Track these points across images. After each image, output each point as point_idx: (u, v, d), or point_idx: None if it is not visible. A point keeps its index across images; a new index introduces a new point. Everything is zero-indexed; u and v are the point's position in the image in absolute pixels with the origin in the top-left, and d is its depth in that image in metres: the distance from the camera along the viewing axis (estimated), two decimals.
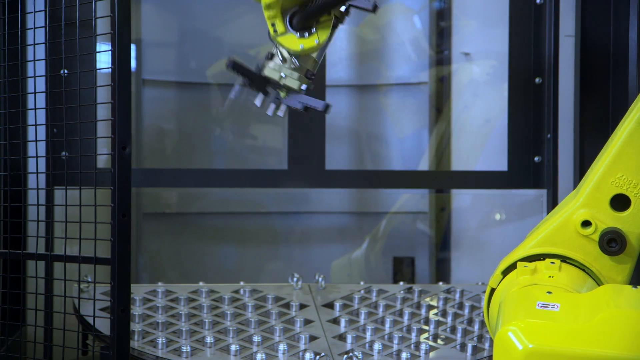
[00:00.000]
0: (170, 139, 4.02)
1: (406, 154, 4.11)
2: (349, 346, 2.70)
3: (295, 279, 3.02)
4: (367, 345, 2.71)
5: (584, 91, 3.22)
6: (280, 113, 2.52)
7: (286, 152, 3.32)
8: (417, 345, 2.71)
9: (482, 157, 3.75)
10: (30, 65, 2.54)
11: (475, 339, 2.75)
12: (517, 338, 1.76)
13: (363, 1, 2.47)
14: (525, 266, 2.04)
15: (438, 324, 2.83)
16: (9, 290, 2.59)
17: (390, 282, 3.97)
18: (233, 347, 2.60)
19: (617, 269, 2.05)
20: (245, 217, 4.08)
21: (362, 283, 3.07)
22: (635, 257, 2.06)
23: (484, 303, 2.15)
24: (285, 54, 2.41)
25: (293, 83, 2.46)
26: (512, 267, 2.09)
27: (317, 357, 2.58)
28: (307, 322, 2.81)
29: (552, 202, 3.25)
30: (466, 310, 2.91)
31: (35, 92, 2.47)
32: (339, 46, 4.01)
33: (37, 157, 2.49)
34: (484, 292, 2.97)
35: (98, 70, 2.48)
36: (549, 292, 1.91)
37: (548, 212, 3.27)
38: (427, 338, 2.76)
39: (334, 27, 2.42)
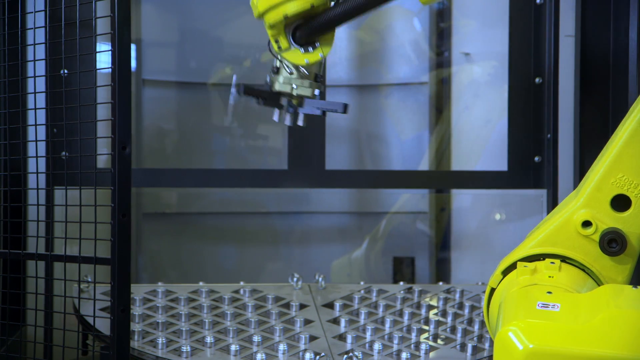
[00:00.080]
0: (170, 139, 4.02)
1: (406, 154, 4.11)
2: (349, 346, 2.70)
3: (295, 279, 3.02)
4: (367, 345, 2.71)
5: (584, 91, 3.22)
6: (300, 122, 2.56)
7: (286, 152, 3.32)
8: (417, 345, 2.71)
9: (482, 158, 3.75)
10: (30, 65, 2.54)
11: (475, 339, 2.75)
12: (517, 338, 1.76)
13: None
14: (525, 266, 2.04)
15: (438, 324, 2.83)
16: (9, 290, 2.59)
17: (390, 282, 3.97)
18: (233, 347, 2.60)
19: (618, 270, 2.05)
20: (245, 217, 4.08)
21: (362, 283, 3.07)
22: (636, 258, 2.06)
23: (483, 303, 2.15)
24: (292, 65, 2.42)
25: (306, 91, 2.49)
26: (512, 267, 2.09)
27: (317, 357, 2.58)
28: (307, 322, 2.81)
29: (552, 202, 3.25)
30: (466, 310, 2.91)
31: (35, 92, 2.47)
32: (339, 46, 4.01)
33: (37, 157, 2.49)
34: (484, 292, 2.97)
35: (98, 70, 2.47)
36: (549, 292, 1.91)
37: (548, 212, 3.27)
38: (427, 338, 2.76)
39: None
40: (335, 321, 2.84)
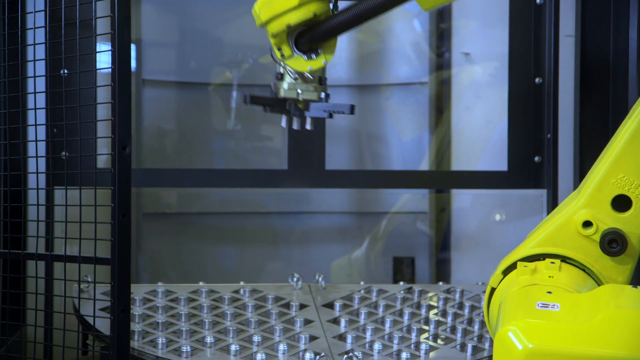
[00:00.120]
0: (170, 139, 4.02)
1: (406, 154, 4.11)
2: (349, 346, 2.70)
3: (295, 279, 3.02)
4: (367, 345, 2.71)
5: (584, 91, 3.22)
6: (308, 126, 2.57)
7: (286, 152, 3.32)
8: (417, 345, 2.71)
9: (482, 158, 3.75)
10: (30, 65, 2.54)
11: (475, 339, 2.75)
12: (517, 338, 1.76)
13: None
14: (525, 266, 2.04)
15: (438, 324, 2.83)
16: (9, 290, 2.59)
17: (391, 282, 3.97)
18: (233, 347, 2.60)
19: (618, 270, 2.05)
20: (245, 217, 4.08)
21: (362, 283, 3.07)
22: (636, 258, 2.06)
23: (484, 303, 2.15)
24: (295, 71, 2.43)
25: (312, 95, 2.49)
26: (513, 266, 2.09)
27: (317, 357, 2.58)
28: (307, 322, 2.81)
29: (552, 202, 3.25)
30: (466, 310, 2.91)
31: (35, 92, 2.47)
32: (340, 47, 3.98)
33: (37, 157, 2.49)
34: (484, 292, 2.97)
35: (98, 70, 2.48)
36: (549, 292, 1.91)
37: (548, 212, 3.27)
38: (427, 338, 2.76)
39: None
40: (335, 321, 2.84)
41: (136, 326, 2.69)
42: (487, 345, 2.71)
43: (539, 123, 3.32)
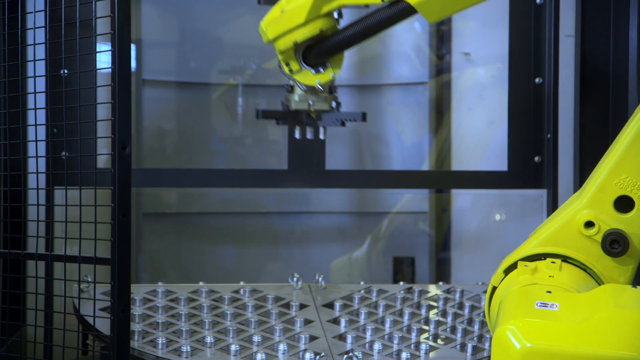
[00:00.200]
0: (170, 139, 4.02)
1: (406, 154, 4.11)
2: (349, 346, 2.70)
3: (295, 279, 3.02)
4: (367, 345, 2.71)
5: (584, 91, 3.22)
6: (322, 136, 2.60)
7: (286, 152, 3.32)
8: (417, 345, 2.71)
9: (483, 159, 3.75)
10: (30, 65, 2.54)
11: (475, 339, 2.75)
12: (515, 337, 1.76)
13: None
14: (525, 265, 2.04)
15: (438, 324, 2.83)
16: (9, 290, 2.59)
17: (391, 282, 3.96)
18: (233, 347, 2.60)
19: (620, 270, 2.05)
20: (245, 217, 4.08)
21: (362, 283, 3.07)
22: (638, 259, 2.06)
23: (485, 301, 2.15)
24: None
25: (323, 106, 2.53)
26: (514, 266, 2.09)
27: (317, 357, 2.58)
28: (307, 322, 2.81)
29: (552, 202, 3.25)
30: (466, 310, 2.91)
31: (35, 92, 2.47)
32: None
33: (37, 157, 2.49)
34: (484, 292, 2.98)
35: (98, 70, 2.48)
36: (549, 292, 1.91)
37: (548, 212, 3.27)
38: (427, 338, 2.76)
39: None
40: (335, 321, 2.84)
41: (136, 326, 2.69)
42: (487, 345, 2.71)
43: (539, 123, 3.32)
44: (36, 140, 2.47)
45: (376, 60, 4.06)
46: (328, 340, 2.72)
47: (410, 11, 2.23)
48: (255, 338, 2.68)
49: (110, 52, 2.27)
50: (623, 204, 2.04)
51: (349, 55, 4.03)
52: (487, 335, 2.77)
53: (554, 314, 1.81)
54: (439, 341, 2.76)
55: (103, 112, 2.39)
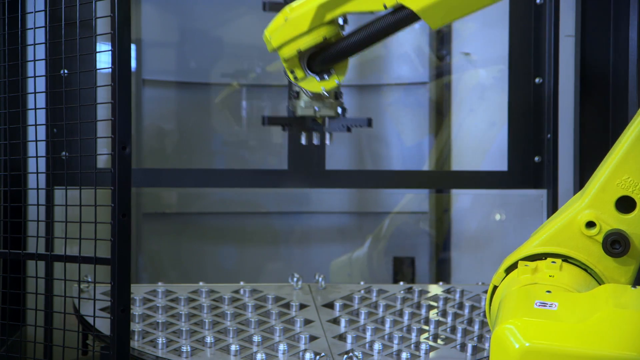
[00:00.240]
0: (170, 139, 4.02)
1: (406, 154, 4.11)
2: (349, 346, 2.70)
3: (295, 279, 3.02)
4: (367, 345, 2.71)
5: (584, 91, 3.22)
6: (328, 141, 2.62)
7: (286, 152, 3.32)
8: (417, 345, 2.71)
9: (483, 160, 3.75)
10: (30, 65, 2.54)
11: (475, 339, 2.75)
12: (513, 336, 1.76)
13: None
14: (526, 265, 2.04)
15: (438, 324, 2.83)
16: (9, 290, 2.59)
17: (391, 282, 3.96)
18: (233, 347, 2.60)
19: (621, 271, 2.05)
20: (245, 217, 4.08)
21: (362, 283, 3.07)
22: (639, 259, 2.06)
23: (485, 301, 2.15)
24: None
25: (329, 112, 2.56)
26: (515, 265, 2.09)
27: (317, 357, 2.58)
28: (307, 322, 2.81)
29: (552, 202, 3.25)
30: (466, 310, 2.91)
31: (35, 92, 2.47)
32: None
33: (37, 157, 2.49)
34: (484, 292, 2.98)
35: (98, 70, 2.48)
36: (548, 292, 1.91)
37: (548, 212, 3.27)
38: (427, 338, 2.76)
39: None
40: (335, 321, 2.84)
41: (136, 326, 2.69)
42: (487, 345, 2.71)
43: (539, 123, 3.31)
44: (36, 140, 2.47)
45: (376, 61, 4.06)
46: (328, 340, 2.72)
47: (413, 18, 2.25)
48: (255, 338, 2.68)
49: (110, 52, 2.27)
50: (624, 204, 2.04)
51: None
52: (487, 335, 2.77)
53: (553, 313, 1.81)
54: (439, 341, 2.76)
55: (103, 112, 2.39)
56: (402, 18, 2.26)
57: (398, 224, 4.10)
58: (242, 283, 3.00)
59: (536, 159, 3.32)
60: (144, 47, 3.92)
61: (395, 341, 2.71)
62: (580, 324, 1.77)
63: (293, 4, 2.33)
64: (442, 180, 3.72)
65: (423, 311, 2.91)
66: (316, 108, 2.56)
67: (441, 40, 3.97)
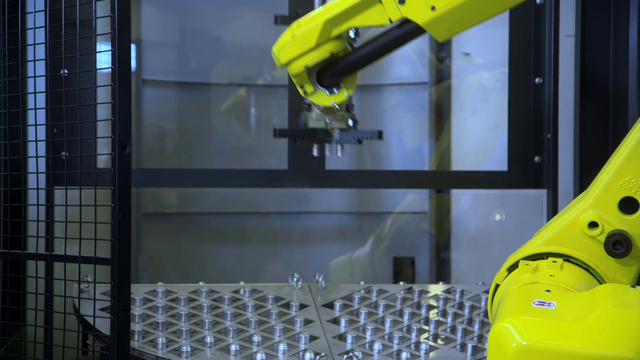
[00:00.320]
0: (170, 139, 4.02)
1: (406, 154, 4.11)
2: (349, 346, 2.70)
3: (295, 279, 3.02)
4: (367, 345, 2.71)
5: (584, 91, 3.22)
6: (339, 153, 2.64)
7: (286, 152, 3.32)
8: (417, 345, 2.71)
9: (483, 161, 3.75)
10: (30, 65, 2.54)
11: (475, 339, 2.75)
12: (510, 334, 1.76)
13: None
14: (527, 264, 2.04)
15: (438, 324, 2.83)
16: (9, 290, 2.59)
17: (391, 282, 3.96)
18: (233, 347, 2.60)
19: (623, 271, 2.05)
20: (245, 217, 4.08)
21: (362, 283, 3.07)
22: None
23: (487, 300, 2.15)
24: None
25: (340, 124, 2.58)
26: (517, 264, 2.10)
27: (317, 357, 2.58)
28: (307, 322, 2.81)
29: (552, 202, 3.25)
30: (466, 310, 2.91)
31: (35, 92, 2.47)
32: None
33: (37, 157, 2.49)
34: (484, 292, 2.98)
35: (98, 70, 2.48)
36: (548, 291, 1.91)
37: (548, 212, 3.28)
38: (427, 338, 2.76)
39: None
40: (335, 321, 2.84)
41: (136, 326, 2.69)
42: (487, 345, 2.71)
43: (539, 123, 3.32)
44: (36, 140, 2.47)
45: (377, 64, 4.06)
46: (328, 340, 2.72)
47: (419, 31, 2.27)
48: (255, 338, 2.68)
49: (110, 52, 2.27)
50: (627, 205, 2.04)
51: None
52: (487, 335, 2.77)
53: (551, 312, 1.81)
54: (439, 341, 2.76)
55: (103, 112, 2.39)
56: (407, 32, 2.29)
57: (398, 224, 4.11)
58: (242, 283, 3.00)
59: (536, 159, 3.32)
60: (144, 47, 3.93)
61: (395, 341, 2.71)
62: (577, 323, 1.77)
63: (300, 20, 2.36)
64: (442, 180, 3.72)
65: (423, 311, 2.91)
66: (327, 120, 2.59)
67: (441, 44, 3.97)
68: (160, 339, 2.61)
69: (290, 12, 3.19)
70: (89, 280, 2.65)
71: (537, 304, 1.84)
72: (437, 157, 3.99)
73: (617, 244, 2.02)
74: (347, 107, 2.63)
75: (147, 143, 3.96)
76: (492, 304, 2.13)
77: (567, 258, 2.07)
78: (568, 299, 1.87)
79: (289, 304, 2.90)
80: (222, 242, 4.07)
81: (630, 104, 3.03)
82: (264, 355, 2.58)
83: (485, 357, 2.66)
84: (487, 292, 2.99)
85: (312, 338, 2.71)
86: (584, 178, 3.18)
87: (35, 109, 2.45)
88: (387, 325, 2.80)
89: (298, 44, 2.33)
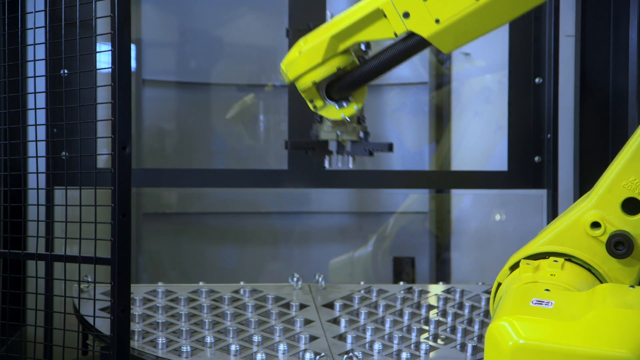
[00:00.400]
0: (170, 139, 4.02)
1: (406, 153, 4.11)
2: (349, 346, 2.70)
3: (295, 279, 3.02)
4: (367, 345, 2.71)
5: (583, 91, 3.22)
6: (350, 165, 2.66)
7: (286, 152, 3.32)
8: (417, 345, 2.71)
9: (483, 163, 3.75)
10: (30, 65, 2.54)
11: (475, 339, 2.75)
12: (506, 333, 1.77)
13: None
14: (528, 264, 2.04)
15: (438, 324, 2.83)
16: (9, 290, 2.59)
17: (391, 282, 3.96)
18: (233, 347, 2.60)
19: (625, 272, 2.05)
20: (245, 217, 4.08)
21: (362, 283, 3.07)
22: None
23: (489, 299, 2.15)
24: None
25: (352, 136, 2.61)
26: (519, 263, 2.10)
27: (317, 357, 2.58)
28: (307, 322, 2.81)
29: (552, 202, 3.25)
30: (466, 310, 2.91)
31: (35, 92, 2.47)
32: None
33: (37, 157, 2.49)
34: (484, 292, 2.98)
35: (98, 70, 2.48)
36: (547, 290, 1.91)
37: (548, 212, 3.28)
38: (427, 338, 2.76)
39: None
40: (335, 321, 2.84)
41: (136, 326, 2.69)
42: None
43: (539, 123, 3.32)
44: (36, 140, 2.47)
45: None
46: (328, 340, 2.72)
47: (424, 44, 2.29)
48: (255, 338, 2.68)
49: (110, 52, 2.27)
50: (630, 206, 2.04)
51: None
52: None
53: (548, 311, 1.81)
54: (439, 341, 2.76)
55: (103, 112, 2.39)
56: (413, 45, 2.31)
57: (398, 224, 4.11)
58: (242, 283, 3.00)
59: (536, 159, 3.32)
60: (144, 47, 3.93)
61: (395, 341, 2.71)
62: (574, 322, 1.77)
63: (307, 36, 2.37)
64: (442, 180, 3.72)
65: (423, 311, 2.91)
66: (339, 132, 2.62)
67: None
68: (160, 339, 2.61)
69: (291, 14, 3.20)
70: (89, 280, 2.65)
71: (536, 303, 1.84)
72: (437, 160, 3.99)
73: (619, 245, 2.02)
74: (358, 119, 2.66)
75: (147, 143, 3.96)
76: (494, 302, 2.13)
77: (569, 258, 2.07)
78: (567, 298, 1.87)
79: (289, 304, 2.90)
80: (222, 242, 4.07)
81: (630, 104, 3.03)
82: (264, 355, 2.58)
83: None
84: (487, 292, 2.99)
85: (312, 338, 2.71)
86: (584, 178, 3.18)
87: (35, 109, 2.45)
88: (387, 325, 2.80)
89: (305, 60, 2.36)
